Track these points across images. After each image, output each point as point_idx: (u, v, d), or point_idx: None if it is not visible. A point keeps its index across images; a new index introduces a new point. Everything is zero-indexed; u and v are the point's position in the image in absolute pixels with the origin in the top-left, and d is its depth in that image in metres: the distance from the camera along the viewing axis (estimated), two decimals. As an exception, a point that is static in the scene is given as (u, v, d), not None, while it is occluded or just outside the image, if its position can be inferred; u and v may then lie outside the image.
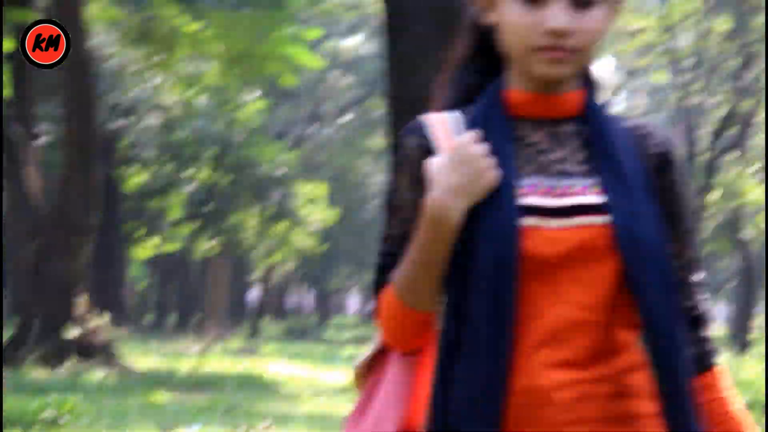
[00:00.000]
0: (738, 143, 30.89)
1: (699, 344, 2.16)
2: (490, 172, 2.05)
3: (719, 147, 30.46)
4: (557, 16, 2.03)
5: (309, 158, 41.96)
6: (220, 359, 19.53)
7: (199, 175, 30.24)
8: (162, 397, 14.36)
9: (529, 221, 2.05)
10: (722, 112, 30.33)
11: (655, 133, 2.18)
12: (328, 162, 43.80)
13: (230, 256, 34.29)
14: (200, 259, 34.88)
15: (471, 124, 2.12)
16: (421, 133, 2.14)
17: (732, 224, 32.46)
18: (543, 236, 2.05)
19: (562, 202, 2.07)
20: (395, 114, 7.12)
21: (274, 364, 19.95)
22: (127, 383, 15.52)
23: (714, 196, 31.47)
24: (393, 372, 2.21)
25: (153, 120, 27.88)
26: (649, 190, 2.11)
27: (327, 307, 54.06)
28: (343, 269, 49.70)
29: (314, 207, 32.76)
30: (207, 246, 31.45)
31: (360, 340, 36.93)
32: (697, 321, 2.17)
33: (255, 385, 16.29)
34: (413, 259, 2.08)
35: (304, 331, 41.31)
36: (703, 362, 2.15)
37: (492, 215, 2.04)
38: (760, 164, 30.00)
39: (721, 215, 33.73)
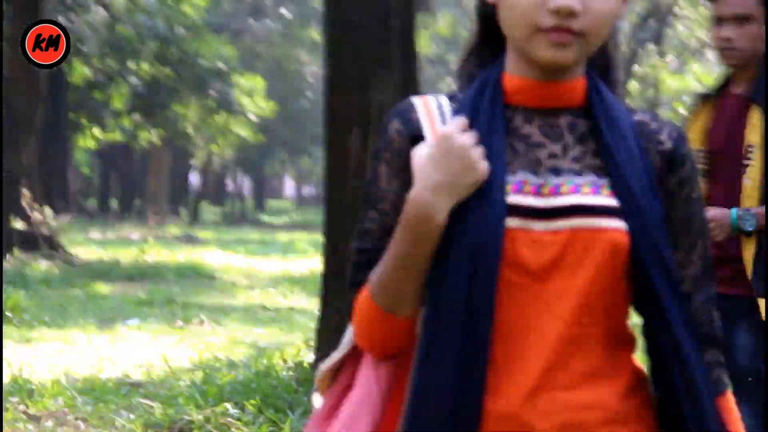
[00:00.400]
0: (657, 36, 31.07)
1: (710, 367, 1.86)
2: (479, 166, 1.76)
3: (639, 39, 30.62)
4: None
5: (248, 51, 41.55)
6: (160, 248, 19.48)
7: (142, 68, 29.86)
8: (103, 288, 14.33)
9: (512, 222, 1.77)
10: (643, 5, 30.44)
11: (664, 129, 1.88)
12: (266, 54, 43.42)
13: (171, 145, 34.07)
14: (142, 147, 34.59)
15: (458, 111, 1.83)
16: (406, 117, 1.86)
17: (651, 109, 32.76)
18: (526, 239, 1.77)
19: (550, 202, 1.79)
20: (331, 8, 7.14)
21: (211, 253, 19.94)
22: (70, 275, 15.45)
23: (634, 85, 31.76)
24: (365, 378, 1.90)
25: (98, 15, 27.39)
26: (655, 192, 1.82)
27: (264, 191, 53.97)
28: (279, 156, 49.53)
29: (252, 98, 32.56)
30: (149, 136, 31.20)
31: (295, 226, 37.02)
32: (707, 342, 1.86)
33: (193, 276, 16.29)
34: (392, 260, 1.80)
35: (242, 216, 41.31)
36: (715, 387, 1.86)
37: (476, 214, 1.75)
38: (674, 55, 30.36)
39: (641, 102, 34.06)
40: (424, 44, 33.88)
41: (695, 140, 4.20)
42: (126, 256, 17.91)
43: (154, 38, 29.23)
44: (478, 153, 1.76)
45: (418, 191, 1.76)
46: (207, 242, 24.35)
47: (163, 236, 25.59)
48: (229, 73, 31.27)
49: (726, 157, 4.12)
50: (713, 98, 4.29)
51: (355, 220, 6.84)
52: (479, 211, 1.75)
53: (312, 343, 7.75)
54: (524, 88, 1.83)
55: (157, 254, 18.40)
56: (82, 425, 6.58)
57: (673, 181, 1.85)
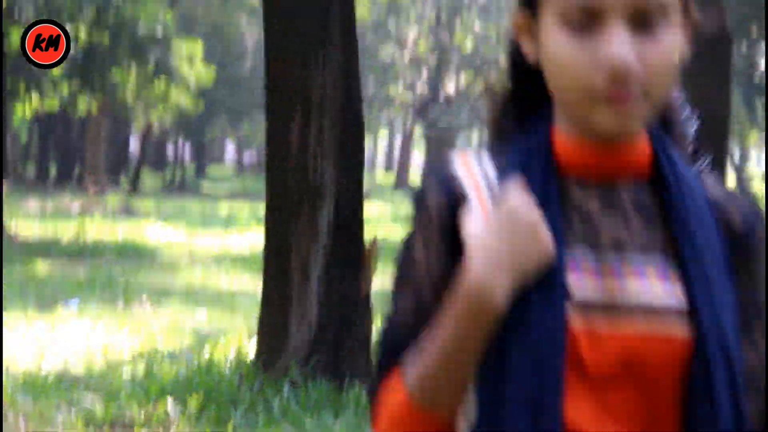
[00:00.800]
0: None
1: None
2: (547, 244, 1.50)
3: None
4: (617, 47, 1.46)
5: (187, 15, 41.24)
6: (100, 223, 19.35)
7: (79, 34, 29.55)
8: (43, 267, 14.23)
9: (573, 316, 1.51)
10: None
11: (736, 205, 1.61)
12: (205, 18, 43.11)
13: (110, 112, 33.79)
14: (81, 114, 34.29)
15: (505, 177, 1.57)
16: (446, 181, 1.59)
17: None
18: (587, 338, 1.51)
19: (616, 293, 1.52)
20: None
21: (151, 228, 19.83)
22: (9, 252, 15.30)
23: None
24: None
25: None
26: (729, 282, 1.56)
27: (204, 157, 53.68)
28: (219, 121, 49.27)
29: (191, 65, 32.34)
30: (87, 103, 30.93)
31: (236, 194, 36.91)
32: None
33: (133, 254, 16.20)
34: (438, 349, 1.53)
35: (183, 184, 41.08)
36: None
37: (536, 302, 1.50)
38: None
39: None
40: (364, 10, 33.80)
41: None
42: (66, 231, 17.77)
43: (91, 4, 28.94)
44: (545, 229, 1.50)
45: (475, 269, 1.49)
46: (147, 214, 24.23)
47: (102, 206, 25.42)
48: (168, 39, 31.04)
49: None
50: None
51: (296, 207, 6.76)
52: (539, 299, 1.50)
53: (253, 335, 7.77)
54: (579, 154, 1.57)
55: (97, 230, 18.27)
56: (22, 423, 6.57)
57: (744, 265, 1.60)
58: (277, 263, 7.15)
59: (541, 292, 1.50)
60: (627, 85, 1.47)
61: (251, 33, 45.03)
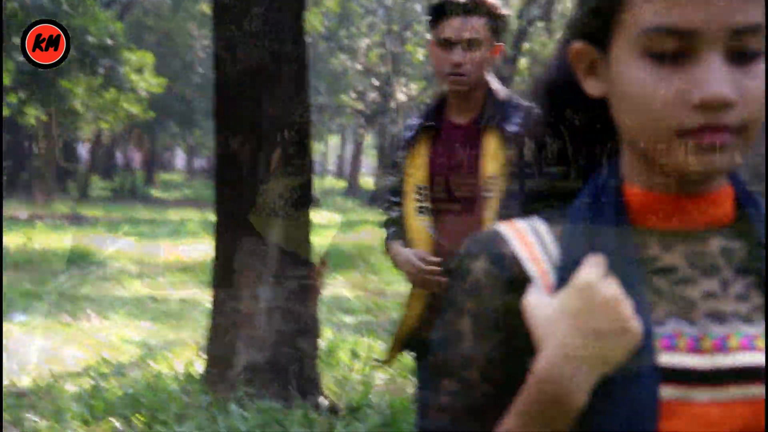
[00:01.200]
0: (546, 13, 31.33)
1: None
2: (633, 326, 1.27)
3: (528, 16, 30.90)
4: (713, 81, 1.27)
5: (137, 24, 41.04)
6: (48, 232, 19.13)
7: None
8: (-11, 278, 14.04)
9: (667, 392, 1.29)
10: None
11: None
12: (155, 28, 42.91)
13: (59, 121, 33.53)
14: (29, 122, 34.02)
15: (569, 240, 1.36)
16: (496, 253, 1.38)
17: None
18: (688, 415, 1.30)
19: (716, 361, 1.31)
20: (221, 21, 7.09)
21: (100, 237, 19.63)
22: (-45, 263, 15.12)
23: (522, 63, 32.01)
24: None
25: (-20, -10, 26.77)
26: None
27: (154, 164, 53.43)
28: (169, 128, 49.08)
29: (142, 75, 32.17)
30: (36, 112, 30.70)
31: (186, 201, 36.73)
32: None
33: (81, 264, 16.02)
34: None
35: (132, 192, 40.82)
36: None
37: (619, 383, 1.28)
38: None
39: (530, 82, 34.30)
40: (316, 22, 33.71)
41: (417, 176, 4.03)
42: (13, 240, 17.56)
43: (39, 14, 28.72)
44: (629, 307, 1.27)
45: (549, 361, 1.28)
46: (95, 222, 24.01)
47: (50, 215, 25.18)
48: (117, 48, 30.87)
49: (456, 192, 3.95)
50: (430, 129, 4.07)
51: (246, 226, 6.64)
52: (623, 380, 1.28)
53: (201, 351, 7.67)
54: (657, 204, 1.37)
55: (44, 239, 18.06)
56: (-35, 443, 6.45)
57: None
58: (227, 281, 7.07)
59: (620, 368, 1.29)
60: (722, 120, 1.27)
61: (201, 43, 44.88)
